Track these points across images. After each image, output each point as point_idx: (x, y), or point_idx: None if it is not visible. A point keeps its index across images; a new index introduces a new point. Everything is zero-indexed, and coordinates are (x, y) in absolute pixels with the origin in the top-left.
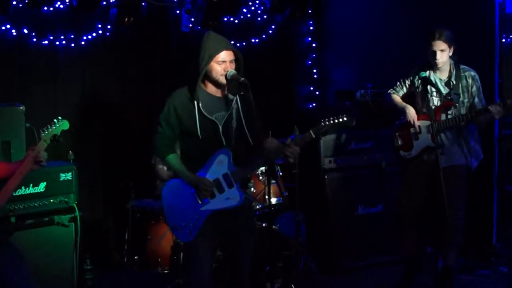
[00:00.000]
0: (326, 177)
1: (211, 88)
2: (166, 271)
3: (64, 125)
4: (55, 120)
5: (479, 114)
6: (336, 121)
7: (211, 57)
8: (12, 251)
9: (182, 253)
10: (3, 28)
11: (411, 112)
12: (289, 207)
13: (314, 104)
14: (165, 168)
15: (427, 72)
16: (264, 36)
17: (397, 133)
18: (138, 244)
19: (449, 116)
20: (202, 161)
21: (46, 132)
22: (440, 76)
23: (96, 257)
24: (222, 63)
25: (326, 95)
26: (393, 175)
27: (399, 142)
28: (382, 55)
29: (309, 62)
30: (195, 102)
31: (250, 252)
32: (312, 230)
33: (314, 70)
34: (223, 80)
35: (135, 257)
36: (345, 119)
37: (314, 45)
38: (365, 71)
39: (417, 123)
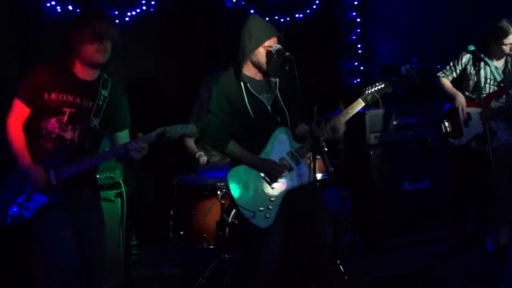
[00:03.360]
0: (371, 152)
1: (251, 71)
2: (211, 247)
3: (191, 127)
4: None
5: None
6: (377, 87)
7: (258, 42)
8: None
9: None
10: (48, 4)
11: (460, 99)
12: (334, 182)
13: (358, 80)
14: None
15: (482, 65)
16: (308, 11)
17: (445, 120)
18: (183, 219)
19: (500, 104)
20: (260, 143)
21: (162, 129)
22: (496, 64)
23: (142, 232)
24: (269, 48)
25: (371, 70)
26: (439, 150)
27: (448, 129)
28: (428, 29)
29: (354, 37)
30: (242, 84)
31: (329, 225)
32: (357, 206)
33: (359, 45)
34: (266, 67)
35: (181, 233)
36: (383, 85)
37: (358, 20)
38: (410, 45)
39: (465, 110)
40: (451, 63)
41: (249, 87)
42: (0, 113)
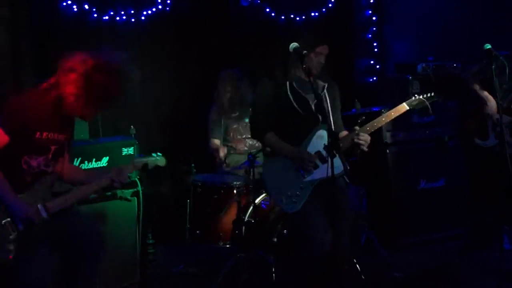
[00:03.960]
0: (387, 151)
1: (300, 72)
2: (227, 246)
3: (161, 161)
4: (154, 153)
5: None
6: (427, 95)
7: (312, 47)
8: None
9: (290, 226)
10: (64, 4)
11: (492, 106)
12: (351, 181)
13: (374, 78)
14: (217, 142)
15: None
16: (323, 9)
17: (472, 119)
18: (199, 218)
19: None
20: (299, 137)
21: (140, 159)
22: None
23: (158, 231)
24: (319, 55)
25: (387, 69)
26: (455, 149)
27: (473, 128)
28: (444, 28)
29: (369, 36)
30: (288, 83)
31: (350, 222)
32: (373, 204)
33: (374, 44)
34: (315, 71)
35: (197, 232)
36: (433, 94)
37: (374, 18)
38: (426, 44)
39: (496, 117)
40: (482, 65)
41: (295, 86)
42: None
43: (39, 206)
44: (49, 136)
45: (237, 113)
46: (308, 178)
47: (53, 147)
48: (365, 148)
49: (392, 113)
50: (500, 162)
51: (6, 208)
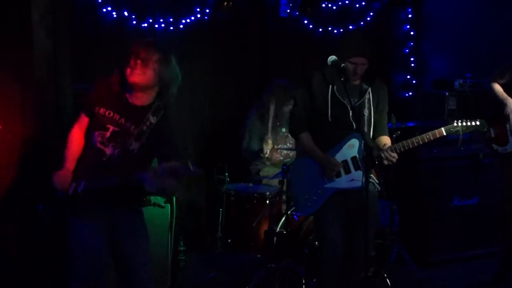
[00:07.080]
0: (421, 167)
1: (345, 76)
2: (258, 255)
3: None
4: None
5: None
6: (469, 124)
7: (344, 57)
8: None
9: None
10: (104, 10)
11: (511, 106)
12: (384, 195)
13: (410, 93)
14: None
15: None
16: (362, 23)
17: (488, 125)
18: (231, 227)
19: None
20: (331, 142)
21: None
22: None
23: (190, 239)
24: (354, 64)
25: (423, 84)
26: (490, 167)
27: (492, 134)
28: (482, 44)
29: (407, 50)
30: (330, 86)
31: (370, 237)
32: (406, 220)
33: (412, 59)
34: (352, 80)
35: (228, 240)
36: (477, 123)
37: (412, 33)
38: (464, 60)
39: None
40: (504, 69)
41: (335, 90)
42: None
43: (81, 181)
44: (107, 113)
45: (278, 124)
46: (328, 185)
47: (110, 127)
48: (386, 163)
49: (427, 137)
50: None
51: None
